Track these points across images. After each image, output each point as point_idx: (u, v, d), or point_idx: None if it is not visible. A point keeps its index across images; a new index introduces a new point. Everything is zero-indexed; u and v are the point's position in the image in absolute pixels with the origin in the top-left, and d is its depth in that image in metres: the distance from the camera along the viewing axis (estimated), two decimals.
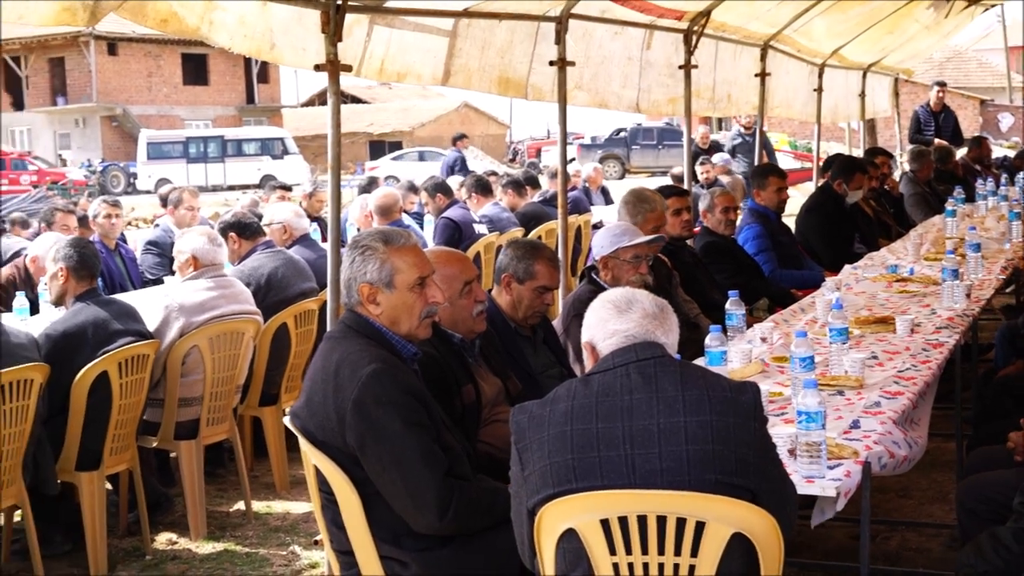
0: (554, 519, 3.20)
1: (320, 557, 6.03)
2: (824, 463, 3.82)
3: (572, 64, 7.76)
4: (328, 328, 6.26)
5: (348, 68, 6.09)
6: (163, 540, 6.58)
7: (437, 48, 6.95)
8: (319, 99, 77.67)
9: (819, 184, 11.85)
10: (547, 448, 3.24)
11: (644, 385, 3.21)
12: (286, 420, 4.11)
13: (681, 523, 3.10)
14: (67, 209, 10.49)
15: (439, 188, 11.45)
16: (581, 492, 3.16)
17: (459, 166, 20.73)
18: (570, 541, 3.20)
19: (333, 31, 5.72)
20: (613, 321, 3.36)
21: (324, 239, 10.51)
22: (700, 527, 3.10)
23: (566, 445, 3.21)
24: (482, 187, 12.08)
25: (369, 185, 14.39)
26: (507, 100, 71.31)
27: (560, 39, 7.61)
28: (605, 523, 3.14)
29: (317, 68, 5.84)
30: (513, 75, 7.64)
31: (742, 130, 17.08)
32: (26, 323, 7.13)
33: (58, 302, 6.45)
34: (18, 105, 60.07)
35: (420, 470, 3.74)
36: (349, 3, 5.77)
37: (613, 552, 3.15)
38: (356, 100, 67.70)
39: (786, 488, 3.36)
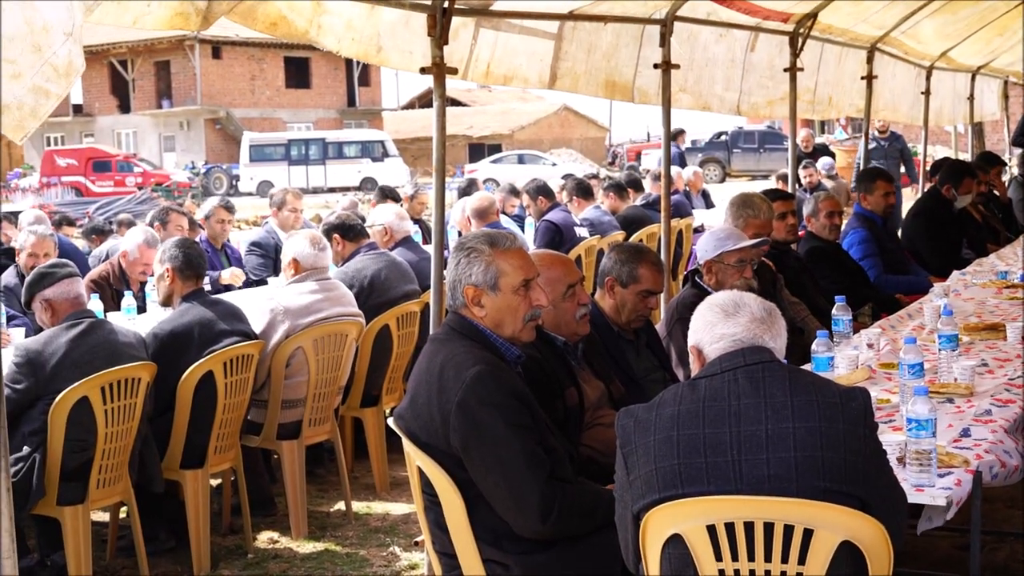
0: (660, 524, 3.17)
1: (420, 558, 6.05)
2: (934, 471, 3.75)
3: (676, 67, 7.70)
4: (431, 330, 6.29)
5: (454, 71, 6.11)
6: (265, 539, 6.64)
7: (543, 51, 6.93)
8: (419, 102, 78.25)
9: (926, 188, 11.66)
10: (653, 453, 3.21)
11: (752, 390, 3.18)
12: (390, 421, 4.13)
13: (789, 530, 3.06)
14: (181, 210, 10.66)
15: (540, 191, 11.44)
16: (687, 497, 3.13)
17: (676, 162, 19.83)
18: (676, 547, 3.16)
19: (439, 34, 5.73)
20: (720, 325, 3.33)
21: (425, 241, 10.58)
22: (808, 534, 3.05)
23: (672, 450, 3.18)
24: (583, 190, 12.05)
25: (469, 187, 14.46)
26: (607, 103, 71.32)
27: (665, 42, 7.57)
28: (712, 529, 3.11)
29: (423, 71, 5.87)
30: (619, 78, 7.60)
31: (876, 134, 16.64)
32: (133, 322, 7.25)
33: (166, 302, 6.55)
34: (124, 108, 61.27)
35: (523, 472, 3.73)
36: (456, 6, 5.78)
37: (719, 559, 3.12)
38: (456, 103, 68.01)
39: (896, 496, 3.30)
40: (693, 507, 3.12)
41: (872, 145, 16.67)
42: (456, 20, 5.91)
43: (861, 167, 16.02)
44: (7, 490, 3.80)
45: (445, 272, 4.15)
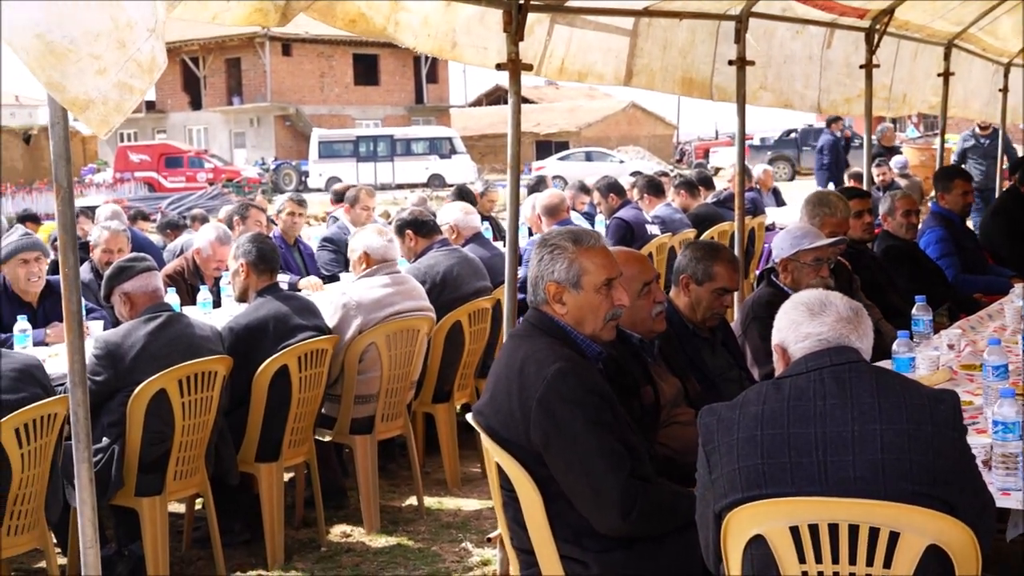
0: (742, 525, 3.15)
1: (492, 554, 6.05)
2: (1021, 475, 3.69)
3: (752, 64, 7.63)
4: (503, 327, 6.29)
5: (529, 67, 6.10)
6: (337, 533, 6.68)
7: (618, 48, 6.90)
8: (486, 99, 78.36)
9: (1004, 187, 11.48)
10: (736, 452, 3.18)
11: (838, 391, 3.14)
12: (468, 417, 4.13)
13: (874, 533, 3.02)
14: (259, 205, 10.77)
15: (612, 188, 11.40)
16: (770, 498, 3.10)
17: (827, 150, 19.35)
18: (758, 547, 3.14)
19: (515, 30, 5.73)
20: (806, 324, 3.29)
21: (495, 238, 10.59)
22: (894, 537, 3.01)
23: (756, 450, 3.15)
24: (654, 188, 12.00)
25: (538, 185, 14.44)
26: (674, 100, 70.99)
27: (740, 38, 7.51)
28: (795, 530, 3.07)
29: (498, 67, 5.86)
30: (697, 75, 7.54)
31: (977, 130, 16.36)
32: (209, 316, 7.32)
33: (241, 298, 6.60)
34: (196, 104, 61.92)
35: (604, 470, 3.72)
36: (531, 2, 5.77)
37: (803, 560, 3.08)
38: (524, 100, 67.40)
39: (984, 500, 3.24)
40: (776, 508, 3.09)
41: (970, 143, 16.44)
42: (531, 16, 5.89)
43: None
44: (90, 480, 3.86)
45: (529, 268, 4.13)
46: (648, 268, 4.77)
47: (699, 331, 5.32)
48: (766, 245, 11.47)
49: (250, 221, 9.60)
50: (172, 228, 12.57)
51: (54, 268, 7.66)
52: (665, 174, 16.40)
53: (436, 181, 48.72)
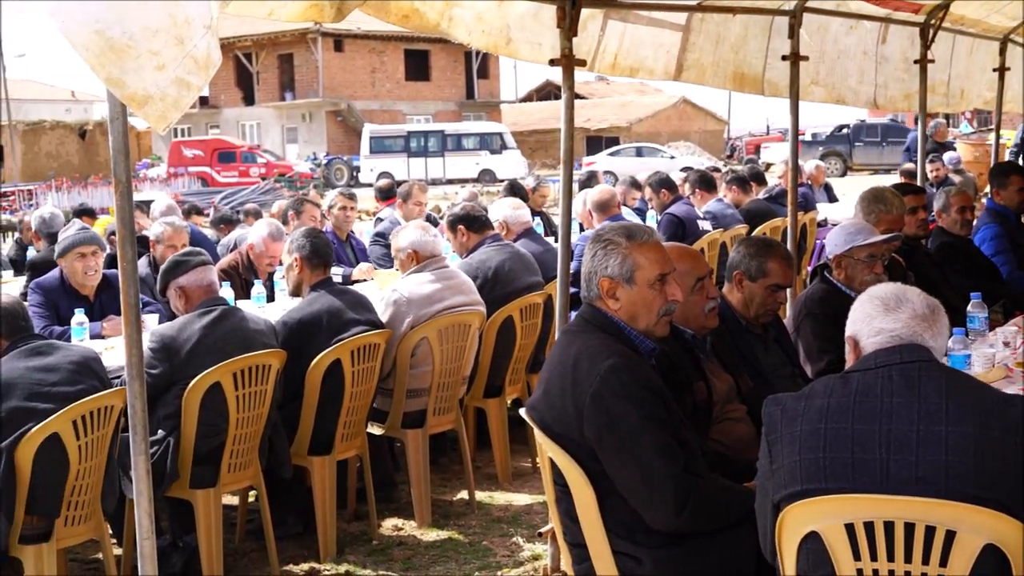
0: (797, 521, 3.14)
1: (543, 549, 6.06)
2: None
3: (805, 59, 7.59)
4: (555, 322, 6.29)
5: (582, 63, 6.09)
6: (389, 526, 6.71)
7: (670, 43, 6.89)
8: (537, 94, 78.36)
9: None
10: (798, 444, 3.16)
11: (906, 389, 3.11)
12: (521, 412, 4.14)
13: (930, 532, 2.99)
14: (314, 200, 10.84)
15: (663, 184, 11.37)
16: (830, 492, 3.09)
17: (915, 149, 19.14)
18: (814, 543, 3.12)
19: (568, 26, 5.73)
20: (879, 319, 3.26)
21: (546, 233, 10.58)
22: (950, 536, 2.98)
23: (819, 443, 3.13)
24: (706, 183, 11.95)
25: (589, 180, 14.42)
26: (725, 95, 70.69)
27: (794, 33, 7.46)
28: (850, 528, 3.06)
29: (552, 63, 5.87)
30: (748, 70, 7.51)
31: None
32: (263, 310, 7.37)
33: (296, 292, 6.64)
34: (249, 100, 62.33)
35: (657, 465, 3.72)
36: None
37: (858, 558, 3.07)
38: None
39: None
40: (831, 505, 3.08)
41: None
42: (585, 12, 5.89)
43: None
44: (147, 472, 3.90)
45: (582, 263, 4.14)
46: (701, 264, 4.76)
47: (752, 327, 5.30)
48: (818, 241, 11.44)
49: (305, 216, 9.67)
50: (225, 223, 12.66)
51: (110, 262, 7.74)
52: (717, 169, 16.34)
53: (486, 176, 48.77)
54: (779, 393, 3.35)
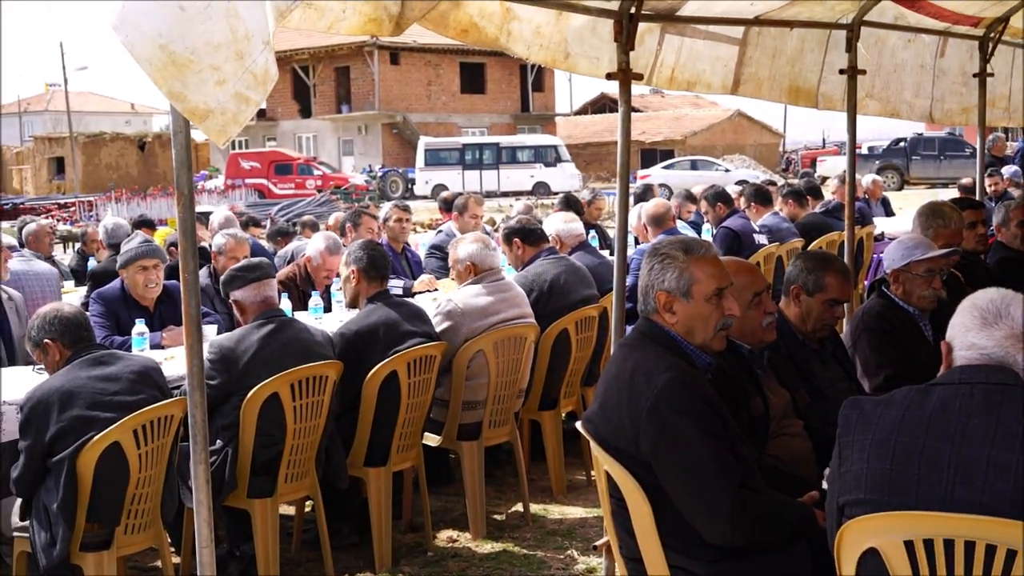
0: (857, 536, 3.12)
1: (598, 562, 6.06)
2: None
3: (863, 72, 7.56)
4: (611, 335, 6.29)
5: (639, 77, 6.10)
6: (444, 537, 6.73)
7: (727, 56, 6.87)
8: (591, 107, 78.33)
9: None
10: (868, 452, 3.13)
11: (986, 411, 3.01)
12: (577, 425, 4.15)
13: (991, 551, 2.95)
14: (371, 212, 10.90)
15: (719, 197, 11.33)
16: (892, 506, 3.06)
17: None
18: (872, 559, 3.10)
19: (625, 40, 5.74)
20: (975, 332, 3.15)
21: (602, 246, 10.58)
22: (1011, 556, 2.93)
23: (887, 454, 3.09)
24: (762, 197, 11.90)
25: (644, 193, 14.41)
26: (780, 108, 70.35)
27: (851, 47, 7.43)
28: (910, 545, 3.03)
29: (609, 76, 5.88)
30: (803, 84, 7.48)
31: None
32: (320, 322, 7.41)
33: (352, 304, 6.70)
34: (305, 112, 62.74)
35: (714, 480, 3.71)
36: (642, 12, 5.78)
37: (917, 574, 3.04)
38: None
39: None
40: (891, 521, 3.05)
41: None
42: (642, 26, 5.90)
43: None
44: (206, 482, 3.93)
45: (639, 276, 4.14)
46: (759, 278, 4.75)
47: (809, 342, 5.27)
48: (875, 256, 11.35)
49: (362, 228, 9.73)
50: (282, 235, 12.76)
51: (169, 273, 7.82)
52: (773, 183, 16.25)
53: (541, 189, 48.80)
54: (861, 396, 3.29)
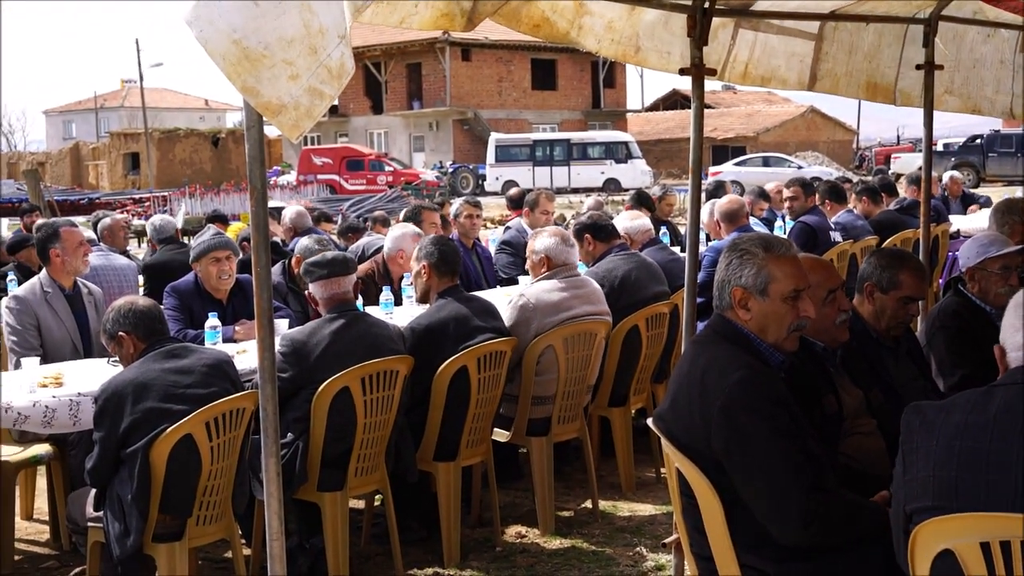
0: (931, 538, 3.06)
1: (667, 559, 6.03)
2: None
3: (940, 68, 7.44)
4: (681, 332, 6.26)
5: (712, 72, 6.05)
6: (512, 533, 6.73)
7: (803, 52, 6.79)
8: (663, 103, 78.04)
9: None
10: (932, 459, 3.08)
11: None
12: (648, 422, 4.13)
13: None
14: (431, 207, 10.89)
15: (806, 188, 11.14)
16: (961, 511, 3.00)
17: None
18: (946, 561, 3.04)
19: (699, 35, 5.67)
20: None
21: (672, 243, 10.53)
22: None
23: (952, 460, 3.04)
24: (836, 194, 11.78)
25: (716, 190, 14.30)
26: (854, 105, 69.65)
27: (928, 42, 7.32)
28: (985, 546, 2.98)
29: (682, 72, 5.83)
30: (881, 80, 7.37)
31: None
32: (390, 316, 7.44)
33: (423, 299, 6.71)
34: (377, 109, 63.11)
35: (786, 479, 3.67)
36: (716, 6, 5.72)
37: None
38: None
39: None
40: (965, 523, 3.00)
41: None
42: (716, 21, 5.84)
43: None
44: (277, 474, 3.95)
45: (716, 272, 4.10)
46: (834, 275, 4.70)
47: (883, 340, 5.19)
48: (951, 254, 11.20)
49: (424, 224, 9.72)
50: (353, 231, 12.80)
51: (242, 267, 7.88)
52: (847, 180, 16.08)
53: (612, 185, 48.72)
54: (923, 401, 3.24)
